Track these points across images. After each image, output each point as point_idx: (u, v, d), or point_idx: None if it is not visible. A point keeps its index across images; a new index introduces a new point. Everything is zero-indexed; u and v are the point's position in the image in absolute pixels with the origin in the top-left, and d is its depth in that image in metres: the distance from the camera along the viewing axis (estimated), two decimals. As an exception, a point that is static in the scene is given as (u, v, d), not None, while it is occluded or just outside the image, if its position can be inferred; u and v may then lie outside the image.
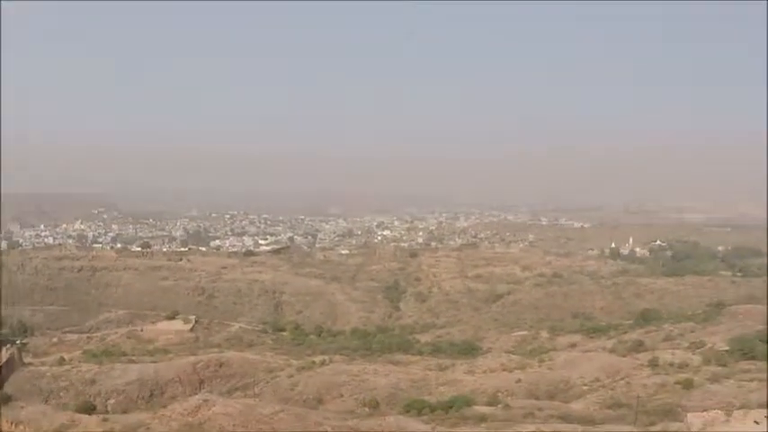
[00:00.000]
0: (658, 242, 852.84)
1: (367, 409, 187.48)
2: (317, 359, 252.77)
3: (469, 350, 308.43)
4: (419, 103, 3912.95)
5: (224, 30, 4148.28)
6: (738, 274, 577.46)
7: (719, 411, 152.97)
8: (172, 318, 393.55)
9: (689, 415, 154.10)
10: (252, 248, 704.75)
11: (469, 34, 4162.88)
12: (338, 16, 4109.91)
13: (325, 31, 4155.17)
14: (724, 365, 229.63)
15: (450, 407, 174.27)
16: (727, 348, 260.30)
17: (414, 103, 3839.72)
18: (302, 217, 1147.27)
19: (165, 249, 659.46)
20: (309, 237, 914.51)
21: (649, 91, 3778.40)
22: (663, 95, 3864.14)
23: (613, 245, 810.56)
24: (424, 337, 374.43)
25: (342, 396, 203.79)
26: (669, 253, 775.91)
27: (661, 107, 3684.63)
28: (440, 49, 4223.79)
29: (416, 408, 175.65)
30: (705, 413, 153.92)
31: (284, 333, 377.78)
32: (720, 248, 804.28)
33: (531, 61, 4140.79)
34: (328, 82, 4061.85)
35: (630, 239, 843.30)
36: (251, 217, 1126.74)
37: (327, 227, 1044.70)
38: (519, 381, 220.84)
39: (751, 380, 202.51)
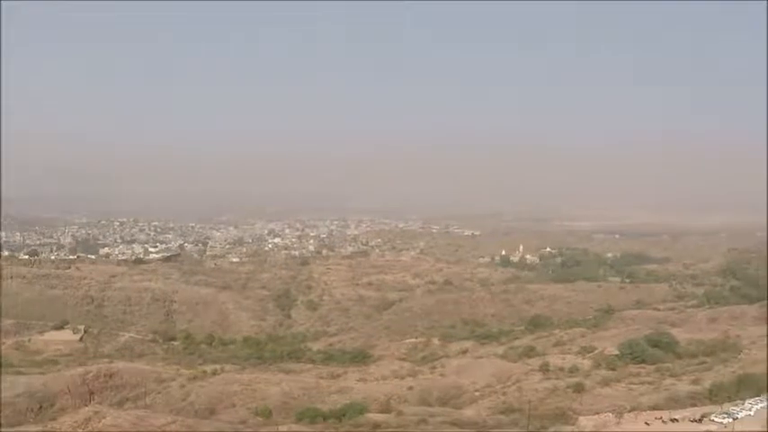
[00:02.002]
0: (548, 249, 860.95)
1: (260, 419, 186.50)
2: (209, 368, 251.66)
3: (361, 358, 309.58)
4: (310, 103, 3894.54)
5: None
6: (627, 280, 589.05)
7: (610, 414, 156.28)
8: (60, 327, 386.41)
9: (580, 418, 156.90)
10: (142, 256, 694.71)
11: (364, 39, 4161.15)
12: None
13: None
14: (614, 369, 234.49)
15: (343, 415, 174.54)
16: (616, 353, 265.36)
17: (305, 104, 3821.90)
18: (193, 224, 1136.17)
19: (53, 257, 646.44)
20: (200, 244, 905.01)
21: (542, 99, 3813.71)
22: (555, 103, 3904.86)
23: (504, 252, 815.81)
24: (316, 345, 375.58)
25: (234, 406, 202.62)
26: (559, 260, 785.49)
27: (555, 116, 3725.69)
28: (338, 53, 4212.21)
29: (309, 416, 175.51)
30: (596, 416, 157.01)
31: (175, 342, 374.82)
32: (609, 255, 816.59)
33: (426, 68, 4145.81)
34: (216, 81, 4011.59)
35: (521, 247, 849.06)
36: (141, 224, 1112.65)
37: (218, 234, 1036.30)
38: (411, 388, 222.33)
39: (641, 383, 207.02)
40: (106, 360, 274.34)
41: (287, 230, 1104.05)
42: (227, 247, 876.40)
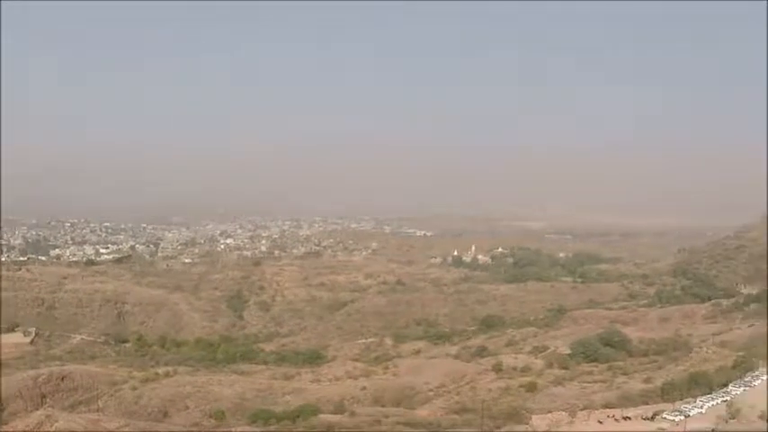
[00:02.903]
0: (500, 249, 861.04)
1: (213, 421, 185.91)
2: (162, 371, 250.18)
3: (314, 358, 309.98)
4: (263, 104, 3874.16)
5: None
6: (579, 279, 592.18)
7: (563, 413, 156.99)
8: (11, 330, 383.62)
9: (534, 417, 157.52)
10: (93, 257, 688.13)
11: (319, 40, 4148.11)
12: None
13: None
14: (566, 368, 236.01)
15: (297, 416, 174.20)
16: (569, 352, 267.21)
17: (257, 105, 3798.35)
18: (144, 225, 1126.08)
19: (3, 259, 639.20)
20: (152, 245, 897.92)
21: (493, 100, 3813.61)
22: (505, 104, 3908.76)
23: (456, 252, 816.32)
24: (269, 346, 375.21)
25: (187, 408, 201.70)
26: (511, 260, 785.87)
27: (507, 117, 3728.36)
28: (282, 53, 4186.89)
29: (263, 418, 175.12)
30: (549, 415, 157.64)
31: (127, 344, 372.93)
32: (561, 255, 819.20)
33: (378, 67, 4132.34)
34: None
35: (473, 247, 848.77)
36: (92, 225, 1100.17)
37: (170, 235, 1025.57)
38: (364, 388, 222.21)
39: (593, 382, 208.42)
40: (58, 363, 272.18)
41: (239, 231, 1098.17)
42: (179, 247, 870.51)
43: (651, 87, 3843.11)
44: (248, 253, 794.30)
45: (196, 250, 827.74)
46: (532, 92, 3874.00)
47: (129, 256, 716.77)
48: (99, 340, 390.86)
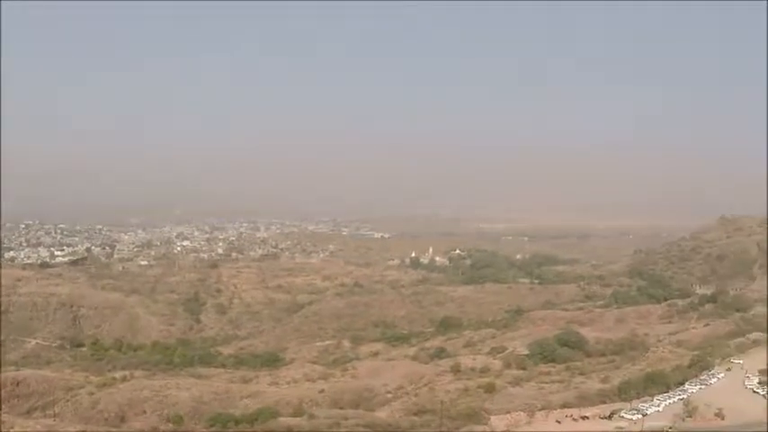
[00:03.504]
0: (458, 251, 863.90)
1: (171, 425, 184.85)
2: (118, 375, 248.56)
3: (272, 361, 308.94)
4: (215, 105, 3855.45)
5: None
6: (536, 281, 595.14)
7: (522, 413, 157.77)
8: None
9: (492, 418, 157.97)
10: (48, 260, 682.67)
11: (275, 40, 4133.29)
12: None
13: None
14: (524, 369, 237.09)
15: (255, 419, 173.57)
16: (527, 352, 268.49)
17: (209, 105, 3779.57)
18: (100, 227, 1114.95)
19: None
20: (107, 248, 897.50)
21: (449, 101, 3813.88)
22: (462, 104, 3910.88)
23: (414, 254, 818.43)
24: (227, 350, 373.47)
25: (145, 413, 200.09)
26: (469, 261, 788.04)
27: (464, 118, 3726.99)
28: (239, 51, 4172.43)
29: (221, 422, 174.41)
30: (508, 415, 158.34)
31: (83, 348, 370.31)
32: (519, 257, 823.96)
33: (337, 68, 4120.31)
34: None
35: (430, 249, 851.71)
36: (47, 227, 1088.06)
37: (126, 237, 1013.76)
38: (323, 390, 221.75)
39: (551, 382, 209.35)
40: (12, 368, 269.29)
41: (196, 233, 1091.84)
42: (136, 250, 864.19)
43: (623, 86, 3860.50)
44: (205, 255, 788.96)
45: (152, 252, 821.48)
46: (496, 92, 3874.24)
47: (85, 258, 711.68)
48: (54, 345, 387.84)
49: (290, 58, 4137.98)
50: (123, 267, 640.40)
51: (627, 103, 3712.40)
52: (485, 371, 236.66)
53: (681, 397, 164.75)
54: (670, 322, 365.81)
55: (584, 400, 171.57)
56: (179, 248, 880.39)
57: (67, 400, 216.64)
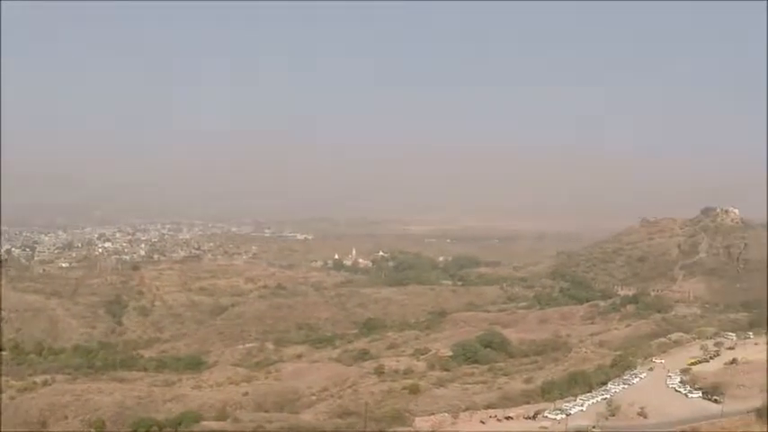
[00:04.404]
0: (381, 253, 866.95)
1: (93, 430, 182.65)
2: (39, 379, 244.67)
3: (195, 364, 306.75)
4: (139, 104, 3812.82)
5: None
6: (459, 282, 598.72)
7: (446, 414, 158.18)
8: None
9: (417, 419, 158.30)
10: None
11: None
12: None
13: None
14: (448, 370, 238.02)
15: (179, 423, 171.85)
16: (450, 354, 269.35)
17: (134, 106, 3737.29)
18: (20, 228, 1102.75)
19: None
20: (27, 249, 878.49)
21: (376, 102, 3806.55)
22: (385, 105, 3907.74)
23: (337, 256, 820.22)
24: (149, 353, 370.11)
25: (66, 418, 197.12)
26: (392, 263, 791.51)
27: (390, 119, 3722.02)
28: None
29: (144, 426, 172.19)
30: (433, 416, 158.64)
31: (3, 352, 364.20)
32: (441, 259, 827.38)
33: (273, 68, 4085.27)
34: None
35: (354, 251, 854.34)
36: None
37: (47, 239, 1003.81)
38: (247, 393, 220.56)
39: (475, 383, 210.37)
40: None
41: (117, 234, 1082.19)
42: (56, 251, 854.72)
43: (565, 88, 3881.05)
44: (127, 257, 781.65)
45: (73, 254, 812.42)
46: (421, 93, 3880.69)
47: (5, 260, 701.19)
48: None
49: (231, 60, 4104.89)
50: (44, 269, 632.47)
51: (555, 104, 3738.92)
52: (408, 372, 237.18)
53: (604, 396, 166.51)
54: (592, 323, 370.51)
55: (507, 400, 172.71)
56: (101, 250, 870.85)
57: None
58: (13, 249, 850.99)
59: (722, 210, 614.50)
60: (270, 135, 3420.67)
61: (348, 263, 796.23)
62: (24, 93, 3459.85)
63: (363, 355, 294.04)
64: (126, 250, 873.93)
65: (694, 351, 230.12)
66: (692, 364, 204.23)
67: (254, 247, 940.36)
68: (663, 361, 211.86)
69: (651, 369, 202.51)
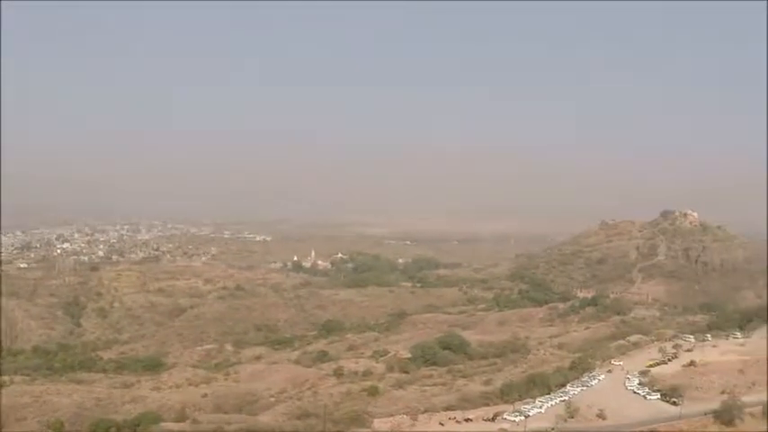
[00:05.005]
0: (340, 255, 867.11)
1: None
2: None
3: (154, 366, 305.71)
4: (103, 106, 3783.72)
5: None
6: (418, 284, 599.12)
7: (405, 416, 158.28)
8: None
9: (375, 421, 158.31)
10: None
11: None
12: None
13: None
14: (407, 372, 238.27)
15: (138, 425, 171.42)
16: (409, 356, 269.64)
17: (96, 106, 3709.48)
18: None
19: None
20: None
21: (337, 102, 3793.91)
22: (346, 107, 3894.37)
23: (296, 258, 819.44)
24: (108, 354, 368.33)
25: (25, 419, 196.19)
26: (351, 265, 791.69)
27: (349, 120, 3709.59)
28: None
29: (102, 428, 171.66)
30: (391, 418, 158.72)
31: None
32: (401, 261, 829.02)
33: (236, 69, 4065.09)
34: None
35: (313, 252, 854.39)
36: None
37: (5, 239, 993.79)
38: (206, 395, 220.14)
39: (434, 384, 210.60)
40: None
41: (76, 235, 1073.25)
42: (15, 252, 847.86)
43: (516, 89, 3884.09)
44: (86, 258, 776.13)
45: (32, 255, 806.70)
46: (381, 94, 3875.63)
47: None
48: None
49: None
50: (2, 270, 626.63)
51: (515, 105, 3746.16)
52: (367, 374, 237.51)
53: (563, 398, 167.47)
54: (551, 325, 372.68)
55: (466, 402, 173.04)
56: (59, 251, 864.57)
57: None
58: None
59: (681, 213, 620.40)
60: (223, 135, 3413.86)
61: (307, 264, 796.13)
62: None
63: (322, 357, 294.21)
64: (84, 251, 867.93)
65: (653, 353, 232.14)
66: (651, 366, 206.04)
67: (213, 249, 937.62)
68: (621, 363, 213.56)
69: (610, 371, 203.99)
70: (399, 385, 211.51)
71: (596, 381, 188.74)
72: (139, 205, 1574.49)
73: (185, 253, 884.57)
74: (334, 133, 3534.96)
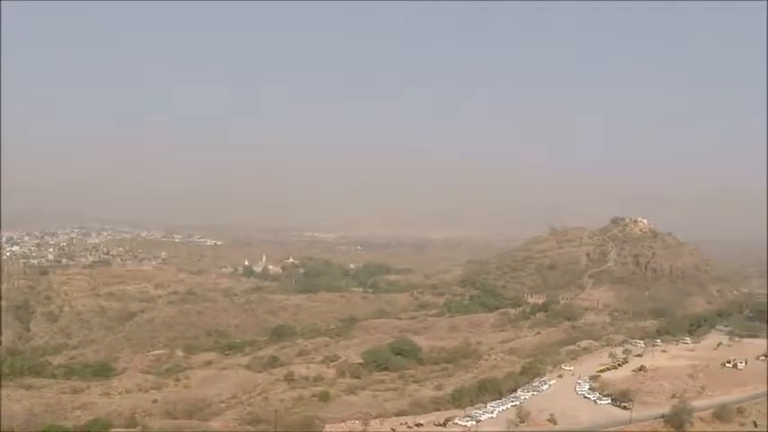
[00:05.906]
0: (291, 260, 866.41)
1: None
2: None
3: (104, 371, 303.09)
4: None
5: None
6: (369, 290, 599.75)
7: (357, 421, 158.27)
8: None
9: (327, 426, 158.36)
10: None
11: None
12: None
13: None
14: (358, 377, 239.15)
15: (88, 431, 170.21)
16: (360, 361, 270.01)
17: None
18: None
19: None
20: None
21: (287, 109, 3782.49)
22: (295, 113, 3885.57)
23: (247, 262, 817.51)
24: (57, 359, 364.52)
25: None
26: (302, 270, 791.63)
27: (302, 126, 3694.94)
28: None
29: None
30: (343, 424, 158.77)
31: None
32: (352, 266, 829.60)
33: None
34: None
35: (264, 257, 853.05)
36: None
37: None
38: (156, 401, 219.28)
39: (385, 390, 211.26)
40: None
41: (25, 238, 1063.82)
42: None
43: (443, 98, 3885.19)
44: (35, 261, 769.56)
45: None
46: (332, 101, 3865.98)
47: None
48: None
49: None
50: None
51: (467, 113, 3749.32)
52: (318, 379, 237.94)
53: (514, 403, 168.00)
54: (502, 330, 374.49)
55: (418, 407, 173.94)
56: (8, 254, 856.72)
57: None
58: None
59: (631, 219, 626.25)
60: (175, 138, 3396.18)
61: (258, 269, 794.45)
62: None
63: (273, 362, 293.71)
64: (34, 254, 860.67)
65: (603, 358, 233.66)
66: (601, 371, 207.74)
67: (163, 253, 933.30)
68: (572, 368, 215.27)
69: (561, 376, 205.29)
70: (351, 390, 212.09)
71: (547, 386, 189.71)
72: (90, 208, 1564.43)
73: (136, 257, 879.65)
74: (284, 140, 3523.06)
